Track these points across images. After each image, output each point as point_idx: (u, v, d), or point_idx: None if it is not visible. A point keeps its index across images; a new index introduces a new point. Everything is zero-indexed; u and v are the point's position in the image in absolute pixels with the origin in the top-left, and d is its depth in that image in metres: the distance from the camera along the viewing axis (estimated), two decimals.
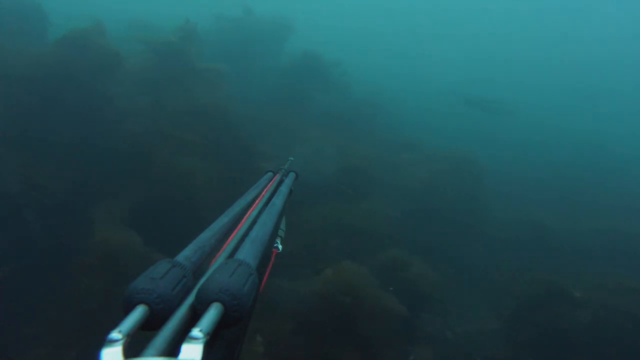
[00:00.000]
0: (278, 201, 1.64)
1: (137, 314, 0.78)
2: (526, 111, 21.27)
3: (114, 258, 5.57)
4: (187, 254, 1.07)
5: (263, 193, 1.71)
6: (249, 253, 1.10)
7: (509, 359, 6.05)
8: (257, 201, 1.59)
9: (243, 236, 1.23)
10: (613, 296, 6.48)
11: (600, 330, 6.07)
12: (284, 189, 1.83)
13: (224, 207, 1.45)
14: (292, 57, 15.55)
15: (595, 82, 31.89)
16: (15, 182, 6.74)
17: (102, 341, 0.69)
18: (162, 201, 7.15)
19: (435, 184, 10.20)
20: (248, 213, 1.45)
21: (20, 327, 5.21)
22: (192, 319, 0.80)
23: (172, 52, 10.79)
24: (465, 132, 16.45)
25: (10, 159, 6.94)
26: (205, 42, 12.60)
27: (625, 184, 13.79)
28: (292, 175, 2.14)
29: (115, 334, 0.70)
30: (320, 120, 13.39)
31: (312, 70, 15.05)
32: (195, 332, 0.71)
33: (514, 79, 30.40)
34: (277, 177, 1.99)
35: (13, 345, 5.02)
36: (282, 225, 1.79)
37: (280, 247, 1.67)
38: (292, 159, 2.33)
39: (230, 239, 1.22)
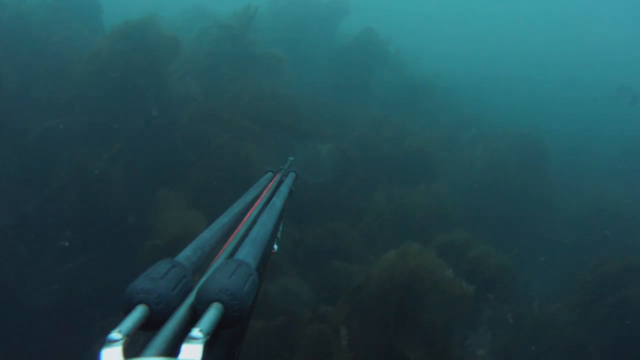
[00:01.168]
0: (278, 201, 1.64)
1: (137, 314, 0.78)
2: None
3: (181, 240, 5.65)
4: (187, 254, 1.07)
5: (263, 193, 1.71)
6: (249, 253, 1.10)
7: (571, 345, 5.87)
8: (257, 201, 1.59)
9: (243, 236, 1.23)
10: None
11: None
12: (284, 189, 1.83)
13: (228, 206, 1.46)
14: (348, 37, 15.22)
15: None
16: (82, 170, 7.00)
17: (102, 341, 0.69)
18: (224, 183, 7.23)
19: (499, 162, 10.00)
20: (248, 213, 1.45)
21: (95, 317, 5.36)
22: (192, 319, 0.80)
23: (231, 38, 10.80)
24: (529, 109, 16.15)
25: (79, 148, 7.24)
26: (261, 26, 12.58)
27: None
28: (292, 175, 2.14)
29: (115, 334, 0.70)
30: (378, 100, 13.25)
31: (369, 48, 14.71)
32: (195, 332, 0.71)
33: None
34: (277, 177, 1.99)
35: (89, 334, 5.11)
36: (279, 226, 1.80)
37: (275, 247, 1.67)
38: (292, 158, 2.34)
39: (230, 239, 1.22)
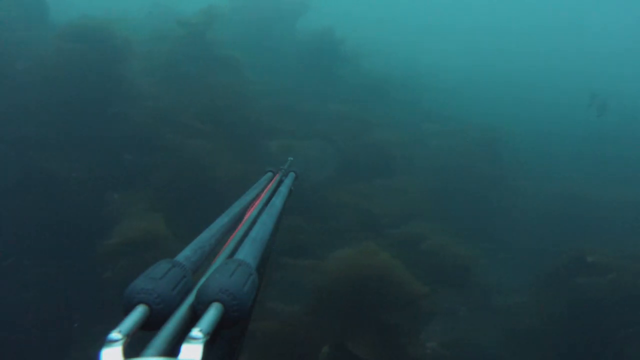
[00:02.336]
0: (278, 201, 1.64)
1: (137, 314, 0.78)
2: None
3: (138, 243, 5.61)
4: (187, 254, 1.07)
5: (263, 193, 1.71)
6: (249, 253, 1.10)
7: (527, 336, 5.78)
8: (257, 201, 1.59)
9: (243, 236, 1.23)
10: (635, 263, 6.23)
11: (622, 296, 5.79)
12: (283, 189, 1.84)
13: (226, 204, 1.46)
14: (308, 34, 15.18)
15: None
16: (32, 173, 6.86)
17: (102, 341, 0.69)
18: (182, 184, 7.19)
19: (461, 156, 9.98)
20: (248, 213, 1.45)
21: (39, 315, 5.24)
22: (192, 319, 0.80)
23: (192, 36, 10.72)
24: (491, 105, 15.88)
25: (29, 152, 7.08)
26: (223, 23, 12.48)
27: None
28: (292, 175, 2.14)
29: (115, 334, 0.70)
30: (343, 95, 13.06)
31: (328, 45, 14.74)
32: (195, 332, 0.71)
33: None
34: (277, 177, 1.99)
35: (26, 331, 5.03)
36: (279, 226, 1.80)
37: None
38: (291, 158, 2.34)
39: (230, 239, 1.22)
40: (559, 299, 6.06)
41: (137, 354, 0.69)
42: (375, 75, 14.79)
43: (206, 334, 0.72)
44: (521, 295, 6.55)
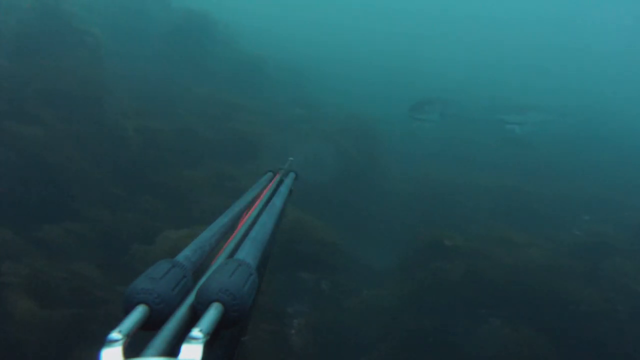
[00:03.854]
0: (278, 201, 1.65)
1: (137, 314, 0.78)
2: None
3: None
4: (187, 254, 1.07)
5: (263, 193, 1.72)
6: (249, 253, 1.10)
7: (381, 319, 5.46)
8: (257, 201, 1.59)
9: (243, 236, 1.23)
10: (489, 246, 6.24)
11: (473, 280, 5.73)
12: (283, 189, 1.84)
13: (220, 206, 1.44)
14: (183, 14, 14.00)
15: None
16: None
17: (102, 341, 0.69)
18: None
19: (331, 143, 9.42)
20: (248, 213, 1.45)
21: None
22: (192, 319, 0.80)
23: (45, 9, 9.61)
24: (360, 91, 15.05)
25: None
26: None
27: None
28: (292, 175, 2.15)
29: (115, 334, 0.70)
30: (214, 77, 12.22)
31: (202, 26, 13.74)
32: (195, 332, 0.72)
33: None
34: (277, 177, 2.00)
35: None
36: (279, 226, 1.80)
37: None
38: (292, 158, 2.34)
39: (230, 239, 1.23)
40: (415, 282, 5.80)
41: (137, 354, 0.69)
42: (252, 59, 13.83)
43: (206, 334, 0.72)
44: (382, 278, 6.17)
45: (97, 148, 7.10)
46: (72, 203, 6.01)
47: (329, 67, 17.34)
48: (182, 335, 0.74)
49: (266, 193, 1.72)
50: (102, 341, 0.69)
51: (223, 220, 1.36)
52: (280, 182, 1.95)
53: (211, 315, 0.78)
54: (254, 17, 22.78)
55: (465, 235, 6.72)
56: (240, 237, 1.23)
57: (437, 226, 7.14)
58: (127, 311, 0.79)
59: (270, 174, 2.06)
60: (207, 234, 1.23)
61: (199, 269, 1.06)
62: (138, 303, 0.81)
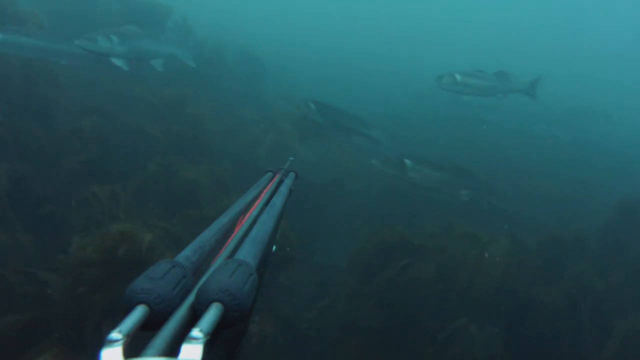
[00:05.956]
0: (278, 201, 1.64)
1: (137, 314, 0.78)
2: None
3: None
4: (187, 254, 1.07)
5: (263, 193, 1.72)
6: (249, 253, 1.10)
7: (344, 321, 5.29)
8: (257, 201, 1.59)
9: (243, 236, 1.23)
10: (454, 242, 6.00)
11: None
12: (283, 189, 1.84)
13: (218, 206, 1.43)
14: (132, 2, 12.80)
15: None
16: None
17: (102, 341, 0.69)
18: None
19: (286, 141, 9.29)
20: (248, 213, 1.45)
21: None
22: (192, 319, 0.80)
23: None
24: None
25: None
26: None
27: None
28: (292, 175, 2.15)
29: (115, 334, 0.70)
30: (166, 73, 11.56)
31: (152, 14, 12.39)
32: (195, 332, 0.72)
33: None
34: (277, 177, 1.99)
35: None
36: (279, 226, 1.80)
37: (273, 247, 1.67)
38: (292, 158, 2.34)
39: (230, 239, 1.23)
40: (380, 281, 5.55)
41: (137, 354, 0.69)
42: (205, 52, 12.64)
43: (206, 334, 0.72)
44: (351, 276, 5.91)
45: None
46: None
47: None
48: (182, 336, 0.74)
49: (266, 193, 1.72)
50: (102, 341, 0.69)
51: (223, 220, 1.36)
52: (280, 182, 1.95)
53: (211, 315, 0.78)
54: (220, 14, 22.52)
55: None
56: (240, 237, 1.22)
57: None
58: (127, 311, 0.79)
59: (270, 173, 2.06)
60: (207, 234, 1.23)
61: (199, 269, 1.06)
62: (138, 303, 0.81)
